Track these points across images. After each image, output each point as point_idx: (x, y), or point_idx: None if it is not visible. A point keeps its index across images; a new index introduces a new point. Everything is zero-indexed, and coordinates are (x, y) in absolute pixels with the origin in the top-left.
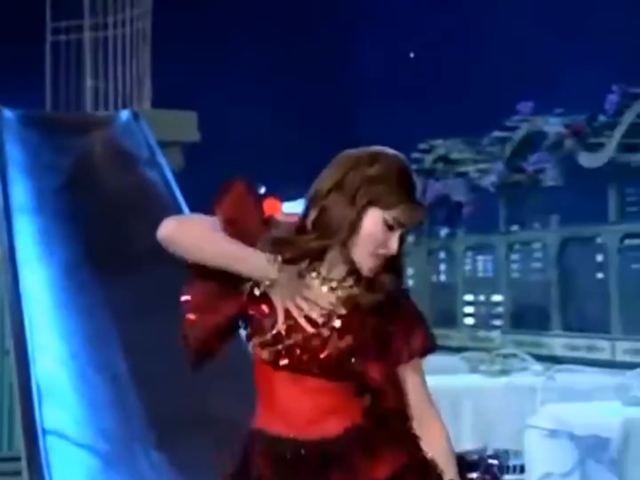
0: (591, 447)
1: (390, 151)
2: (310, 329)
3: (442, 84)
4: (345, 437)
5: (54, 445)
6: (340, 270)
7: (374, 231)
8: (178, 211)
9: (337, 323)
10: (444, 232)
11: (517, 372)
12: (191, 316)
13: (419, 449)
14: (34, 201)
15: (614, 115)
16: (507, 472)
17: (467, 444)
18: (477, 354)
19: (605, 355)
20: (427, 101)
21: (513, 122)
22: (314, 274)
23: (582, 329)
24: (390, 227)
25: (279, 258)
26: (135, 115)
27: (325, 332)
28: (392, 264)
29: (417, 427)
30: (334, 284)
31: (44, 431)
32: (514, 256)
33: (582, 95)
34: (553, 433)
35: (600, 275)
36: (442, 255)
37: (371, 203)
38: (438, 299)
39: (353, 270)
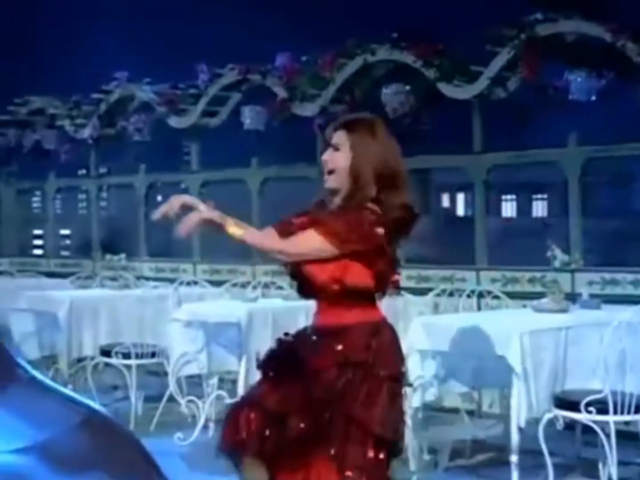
0: (216, 332)
1: None
2: None
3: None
4: None
5: None
6: None
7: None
8: None
9: None
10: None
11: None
12: None
13: None
14: None
15: (203, 89)
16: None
17: (103, 339)
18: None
19: (190, 276)
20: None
21: (110, 87)
22: None
23: (167, 254)
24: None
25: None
26: None
27: None
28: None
29: None
30: None
31: None
32: (104, 196)
33: (168, 69)
34: (189, 323)
35: None
36: (37, 194)
37: None
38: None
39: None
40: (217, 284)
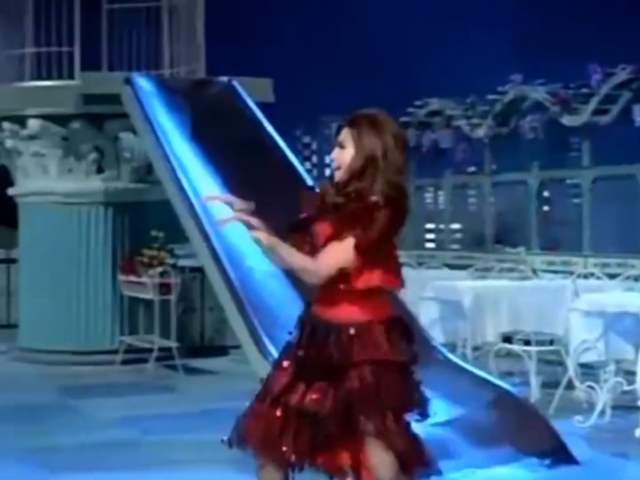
0: (614, 321)
1: None
2: None
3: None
4: None
5: None
6: None
7: None
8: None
9: None
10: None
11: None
12: None
13: None
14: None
15: (595, 88)
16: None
17: (504, 327)
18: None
19: (582, 269)
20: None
21: (505, 89)
22: None
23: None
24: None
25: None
26: (229, 81)
27: None
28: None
29: None
30: None
31: None
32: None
33: (560, 69)
34: (587, 313)
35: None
36: (429, 190)
37: None
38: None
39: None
40: (607, 276)
